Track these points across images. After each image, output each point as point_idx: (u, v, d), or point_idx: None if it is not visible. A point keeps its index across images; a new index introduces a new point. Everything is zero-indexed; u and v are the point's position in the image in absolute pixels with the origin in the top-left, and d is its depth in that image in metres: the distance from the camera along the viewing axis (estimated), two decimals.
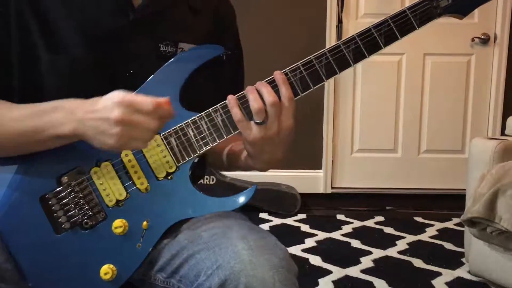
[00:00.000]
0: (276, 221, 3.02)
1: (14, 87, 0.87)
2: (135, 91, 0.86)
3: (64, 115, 0.80)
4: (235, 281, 0.70)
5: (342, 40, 0.86)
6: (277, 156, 0.89)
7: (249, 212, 0.81)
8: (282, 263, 0.74)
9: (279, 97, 0.83)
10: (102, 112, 0.76)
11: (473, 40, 3.22)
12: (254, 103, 0.82)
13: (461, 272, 2.18)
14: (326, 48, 0.86)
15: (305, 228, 2.89)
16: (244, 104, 0.85)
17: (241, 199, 0.86)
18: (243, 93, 0.85)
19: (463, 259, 2.27)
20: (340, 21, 3.22)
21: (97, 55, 0.88)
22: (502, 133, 2.82)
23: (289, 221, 3.03)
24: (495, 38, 3.21)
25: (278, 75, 0.84)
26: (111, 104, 0.76)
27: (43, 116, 0.81)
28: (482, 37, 3.20)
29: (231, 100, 0.84)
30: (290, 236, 2.73)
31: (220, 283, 0.71)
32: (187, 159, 0.86)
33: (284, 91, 0.83)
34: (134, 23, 0.90)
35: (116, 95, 0.77)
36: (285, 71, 0.85)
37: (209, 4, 1.01)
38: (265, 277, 0.71)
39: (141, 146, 0.81)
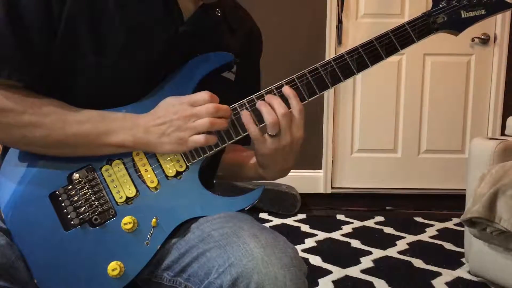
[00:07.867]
0: (276, 221, 3.02)
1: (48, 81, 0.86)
2: (148, 94, 0.89)
3: (127, 125, 0.84)
4: (247, 278, 0.71)
5: (346, 50, 0.90)
6: (288, 165, 0.94)
7: (249, 212, 0.81)
8: (293, 262, 0.75)
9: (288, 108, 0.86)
10: (167, 116, 0.84)
11: (473, 40, 3.23)
12: (269, 116, 0.85)
13: (461, 272, 2.18)
14: (331, 57, 0.90)
15: (305, 228, 2.88)
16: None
17: (250, 199, 0.88)
18: (255, 104, 0.88)
19: (463, 259, 2.27)
20: (340, 21, 3.23)
21: (140, 61, 0.88)
22: (502, 133, 2.83)
23: (289, 221, 3.03)
24: (495, 38, 3.22)
25: (287, 90, 0.87)
26: (173, 107, 0.84)
27: (105, 122, 0.84)
28: (482, 37, 3.21)
29: (246, 116, 0.87)
30: (290, 236, 2.72)
31: (232, 281, 0.71)
32: (197, 158, 0.87)
33: (295, 103, 0.87)
34: (182, 35, 0.91)
35: (174, 99, 0.85)
36: (292, 77, 0.88)
37: (244, 25, 1.07)
38: (277, 275, 0.71)
39: (202, 140, 0.84)
